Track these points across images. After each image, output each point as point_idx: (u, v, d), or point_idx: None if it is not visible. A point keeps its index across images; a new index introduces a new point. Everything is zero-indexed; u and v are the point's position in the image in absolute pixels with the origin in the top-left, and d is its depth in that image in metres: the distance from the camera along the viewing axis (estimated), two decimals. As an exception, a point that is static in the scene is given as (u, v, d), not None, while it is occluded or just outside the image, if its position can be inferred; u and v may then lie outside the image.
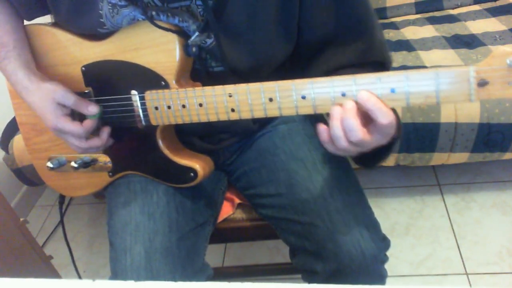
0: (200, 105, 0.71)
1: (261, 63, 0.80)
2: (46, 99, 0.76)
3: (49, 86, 0.77)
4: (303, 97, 0.64)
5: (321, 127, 0.62)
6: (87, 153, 0.86)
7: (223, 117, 0.70)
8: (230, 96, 0.68)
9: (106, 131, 0.80)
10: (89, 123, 0.77)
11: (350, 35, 0.77)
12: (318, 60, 0.80)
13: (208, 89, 0.70)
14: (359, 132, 0.59)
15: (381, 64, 0.80)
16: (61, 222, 1.09)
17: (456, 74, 0.56)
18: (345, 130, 0.59)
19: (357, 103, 0.60)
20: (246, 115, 0.69)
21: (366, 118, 0.60)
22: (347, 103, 0.60)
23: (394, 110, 0.62)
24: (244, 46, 0.76)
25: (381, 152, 0.67)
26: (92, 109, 0.77)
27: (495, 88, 0.55)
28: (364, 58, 0.78)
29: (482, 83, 0.55)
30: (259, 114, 0.68)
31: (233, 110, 0.69)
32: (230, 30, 0.74)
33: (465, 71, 0.56)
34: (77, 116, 0.79)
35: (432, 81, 0.57)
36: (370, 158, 0.70)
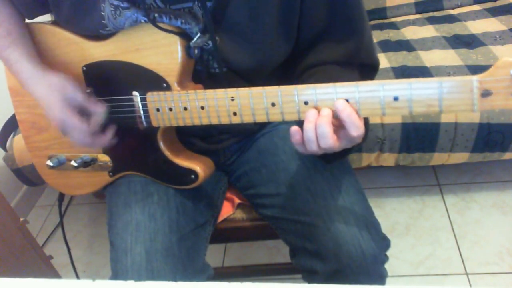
0: (202, 108, 0.71)
1: (263, 64, 0.80)
2: (54, 90, 0.76)
3: (58, 79, 0.77)
4: (306, 103, 0.64)
5: (295, 129, 0.64)
6: (88, 151, 0.86)
7: (225, 120, 0.70)
8: (232, 99, 0.68)
9: (111, 129, 0.81)
10: (96, 120, 0.78)
11: (340, 34, 0.78)
12: (308, 54, 0.81)
13: (210, 92, 0.70)
14: (330, 140, 0.62)
15: (368, 66, 0.82)
16: (61, 221, 1.09)
17: (459, 84, 0.56)
18: (317, 135, 0.62)
19: (333, 110, 0.62)
20: (248, 119, 0.68)
21: (338, 125, 0.63)
22: (324, 110, 0.62)
23: (366, 120, 0.66)
24: (246, 47, 0.76)
25: (341, 153, 0.71)
26: (100, 107, 0.78)
27: (498, 98, 0.55)
28: (351, 58, 0.79)
29: (486, 94, 0.55)
30: (261, 118, 0.67)
31: (235, 113, 0.69)
32: (232, 31, 0.74)
33: (468, 81, 0.56)
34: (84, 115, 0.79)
35: (435, 90, 0.57)
36: (330, 156, 0.73)
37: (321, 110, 0.62)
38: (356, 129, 0.61)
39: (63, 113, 0.76)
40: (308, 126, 0.62)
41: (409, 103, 0.59)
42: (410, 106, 0.59)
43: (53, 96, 0.76)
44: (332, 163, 0.82)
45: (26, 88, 0.79)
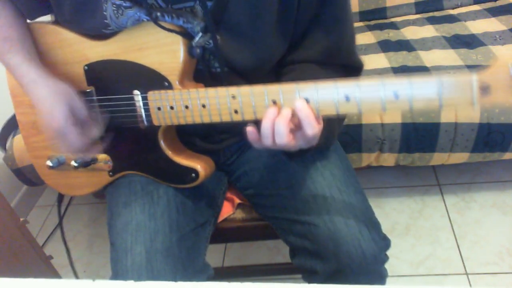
0: (203, 106, 0.71)
1: (263, 62, 0.80)
2: (58, 100, 0.75)
3: (64, 87, 0.77)
4: (307, 100, 0.64)
5: (250, 128, 0.67)
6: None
7: (226, 118, 0.70)
8: (234, 97, 0.68)
9: (104, 143, 0.81)
10: (92, 136, 0.78)
11: (320, 32, 0.79)
12: (289, 52, 0.82)
13: (211, 90, 0.70)
14: (285, 138, 0.64)
15: (350, 67, 0.82)
16: (60, 222, 1.10)
17: (459, 80, 0.57)
18: (274, 132, 0.65)
19: (293, 110, 0.64)
20: (249, 117, 0.69)
21: (297, 125, 0.65)
22: (284, 109, 0.64)
23: (327, 121, 0.68)
24: (247, 46, 0.77)
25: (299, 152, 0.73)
26: (95, 133, 0.78)
27: (497, 95, 0.56)
28: (330, 58, 0.80)
29: (485, 90, 0.56)
30: (262, 116, 0.67)
31: (236, 111, 0.69)
32: (233, 30, 0.75)
33: (468, 77, 0.56)
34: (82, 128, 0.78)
35: (435, 87, 0.58)
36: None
37: (281, 109, 0.65)
38: (311, 128, 0.64)
39: (64, 121, 0.74)
40: (266, 122, 0.65)
41: (409, 100, 0.59)
42: (410, 102, 0.59)
43: (58, 102, 0.75)
44: (292, 158, 0.85)
45: (27, 91, 0.78)
